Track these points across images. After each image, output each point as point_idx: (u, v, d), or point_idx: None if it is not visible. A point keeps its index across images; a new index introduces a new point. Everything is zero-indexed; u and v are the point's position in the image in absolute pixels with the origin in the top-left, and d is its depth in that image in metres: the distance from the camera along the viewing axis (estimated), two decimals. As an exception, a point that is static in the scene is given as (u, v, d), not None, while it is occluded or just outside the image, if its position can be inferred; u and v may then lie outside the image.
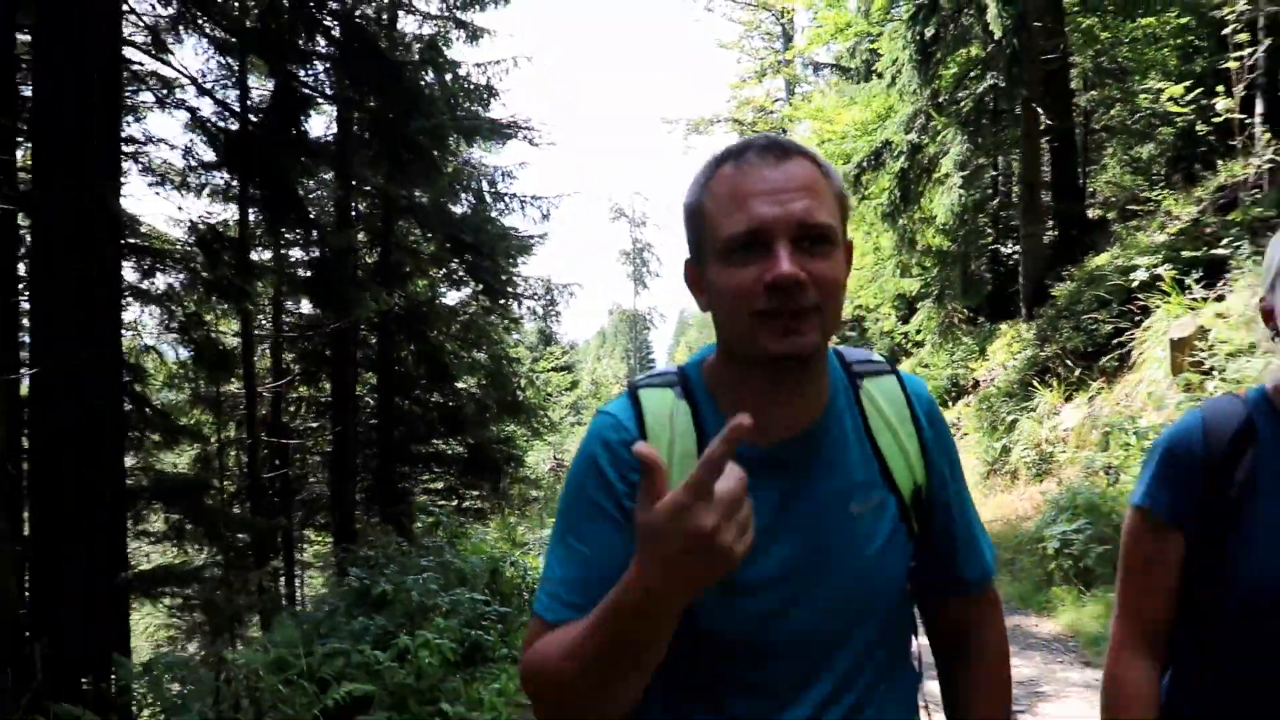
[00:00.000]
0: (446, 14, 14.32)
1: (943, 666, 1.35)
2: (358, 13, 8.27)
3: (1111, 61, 16.82)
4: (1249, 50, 9.15)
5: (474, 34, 14.30)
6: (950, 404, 14.45)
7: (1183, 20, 16.00)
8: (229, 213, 8.28)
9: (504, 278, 12.68)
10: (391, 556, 6.33)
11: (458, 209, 12.91)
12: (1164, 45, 16.08)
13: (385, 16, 13.18)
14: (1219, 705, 1.43)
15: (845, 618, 1.16)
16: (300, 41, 6.65)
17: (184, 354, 9.71)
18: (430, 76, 12.42)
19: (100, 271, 6.12)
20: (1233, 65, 9.04)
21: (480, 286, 11.87)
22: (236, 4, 7.24)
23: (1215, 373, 8.02)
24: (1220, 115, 9.13)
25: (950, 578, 1.29)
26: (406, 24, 14.06)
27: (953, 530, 1.27)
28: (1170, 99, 10.12)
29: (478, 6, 14.39)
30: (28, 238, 6.39)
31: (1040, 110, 13.17)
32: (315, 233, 7.76)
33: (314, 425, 15.58)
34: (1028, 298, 13.04)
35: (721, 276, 1.09)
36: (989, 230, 18.18)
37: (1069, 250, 14.60)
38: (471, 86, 14.12)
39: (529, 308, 13.45)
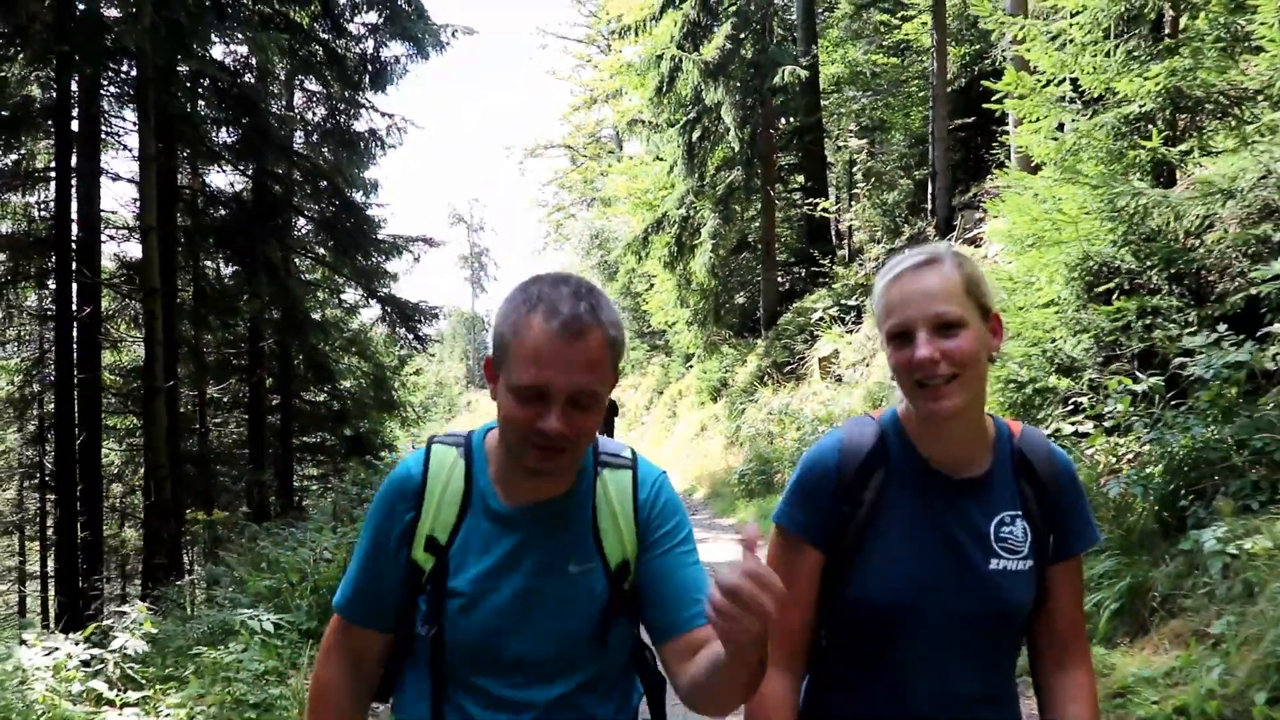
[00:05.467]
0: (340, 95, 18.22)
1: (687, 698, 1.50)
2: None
3: (870, 122, 21.76)
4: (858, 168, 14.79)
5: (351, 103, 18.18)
6: (718, 399, 19.80)
7: (923, 94, 21.87)
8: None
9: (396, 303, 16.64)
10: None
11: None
12: (908, 110, 21.71)
13: (283, 94, 17.13)
14: (838, 705, 1.58)
15: (557, 647, 1.50)
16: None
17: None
18: (328, 153, 16.60)
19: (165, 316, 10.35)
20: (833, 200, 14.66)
21: (382, 311, 15.84)
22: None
23: (841, 379, 13.53)
24: (830, 213, 14.78)
25: (671, 622, 1.51)
26: (297, 98, 17.85)
27: (668, 586, 1.52)
28: (822, 208, 15.77)
29: (360, 85, 18.37)
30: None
31: (773, 189, 18.68)
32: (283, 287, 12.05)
33: (217, 421, 19.13)
34: (765, 323, 18.54)
35: (510, 403, 1.40)
36: (758, 267, 23.75)
37: (815, 284, 20.09)
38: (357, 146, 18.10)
39: (406, 329, 17.43)
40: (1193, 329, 5.49)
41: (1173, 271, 5.94)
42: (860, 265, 17.75)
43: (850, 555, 1.50)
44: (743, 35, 17.31)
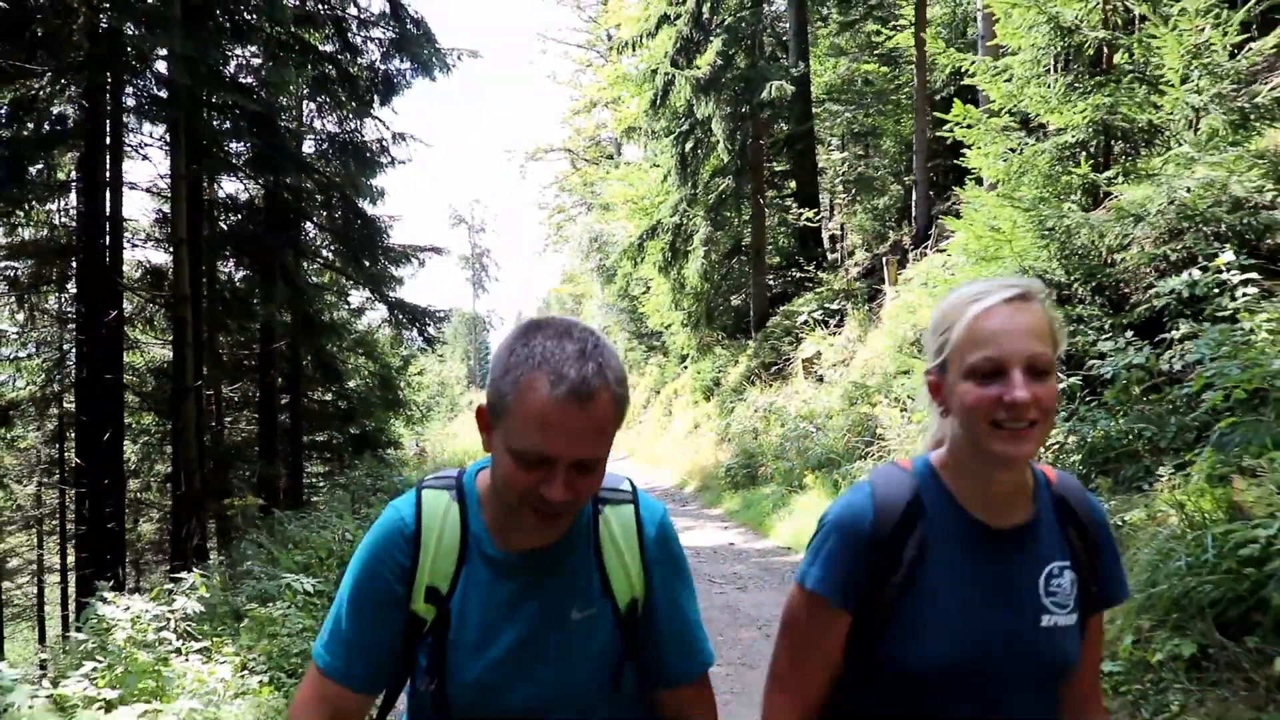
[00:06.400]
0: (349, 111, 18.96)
1: None
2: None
3: (862, 128, 22.59)
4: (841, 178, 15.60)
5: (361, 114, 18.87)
6: (710, 398, 20.60)
7: (912, 101, 22.66)
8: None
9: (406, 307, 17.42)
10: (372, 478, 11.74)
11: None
12: (899, 118, 22.50)
13: (294, 106, 17.91)
14: None
15: (556, 701, 1.43)
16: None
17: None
18: (338, 164, 17.41)
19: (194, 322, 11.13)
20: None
21: (390, 314, 16.63)
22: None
23: (823, 379, 14.32)
24: (813, 223, 15.60)
25: (665, 671, 1.52)
26: (309, 108, 18.65)
27: (669, 630, 1.50)
28: (805, 218, 16.60)
29: (371, 102, 19.12)
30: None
31: (763, 197, 19.50)
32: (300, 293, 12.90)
33: (229, 420, 19.93)
34: (755, 325, 19.35)
35: (509, 464, 1.30)
36: (750, 271, 24.57)
37: (804, 288, 20.92)
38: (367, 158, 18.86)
39: (416, 331, 18.22)
40: (1108, 335, 6.29)
41: (1095, 284, 6.74)
42: (845, 270, 18.57)
43: (889, 618, 1.40)
44: (733, 51, 18.13)
